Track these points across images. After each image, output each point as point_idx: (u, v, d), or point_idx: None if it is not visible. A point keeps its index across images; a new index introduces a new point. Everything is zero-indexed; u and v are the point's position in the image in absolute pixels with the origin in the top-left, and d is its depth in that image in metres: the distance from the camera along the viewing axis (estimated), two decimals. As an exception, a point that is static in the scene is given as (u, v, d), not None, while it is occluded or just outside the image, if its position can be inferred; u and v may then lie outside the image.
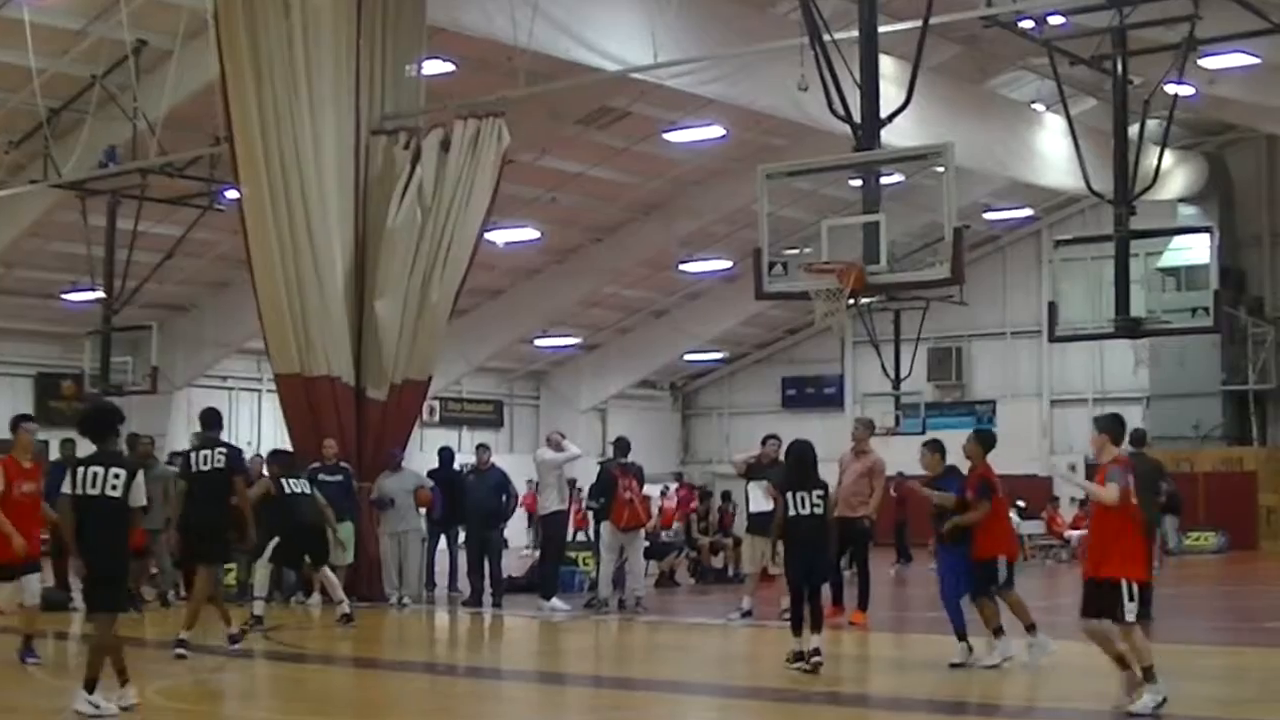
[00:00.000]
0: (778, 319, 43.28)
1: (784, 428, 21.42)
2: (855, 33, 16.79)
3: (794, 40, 18.26)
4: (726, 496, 27.79)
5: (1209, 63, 25.16)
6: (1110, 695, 11.14)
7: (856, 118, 16.27)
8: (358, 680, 14.38)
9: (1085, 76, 24.57)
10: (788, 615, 13.96)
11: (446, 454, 22.74)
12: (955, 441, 14.09)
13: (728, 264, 37.85)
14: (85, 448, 11.66)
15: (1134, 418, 35.59)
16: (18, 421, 13.89)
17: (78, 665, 12.02)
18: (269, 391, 31.54)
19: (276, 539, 16.88)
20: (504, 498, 20.81)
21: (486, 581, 20.61)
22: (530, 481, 26.14)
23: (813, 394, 45.07)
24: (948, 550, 13.66)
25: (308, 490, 17.66)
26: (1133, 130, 19.59)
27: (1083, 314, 19.40)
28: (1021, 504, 28.82)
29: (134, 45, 23.23)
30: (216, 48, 20.41)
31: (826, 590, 14.63)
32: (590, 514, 21.93)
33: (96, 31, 23.75)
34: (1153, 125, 22.39)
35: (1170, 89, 20.74)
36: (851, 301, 16.09)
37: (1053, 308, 19.47)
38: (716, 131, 29.80)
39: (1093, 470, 11.64)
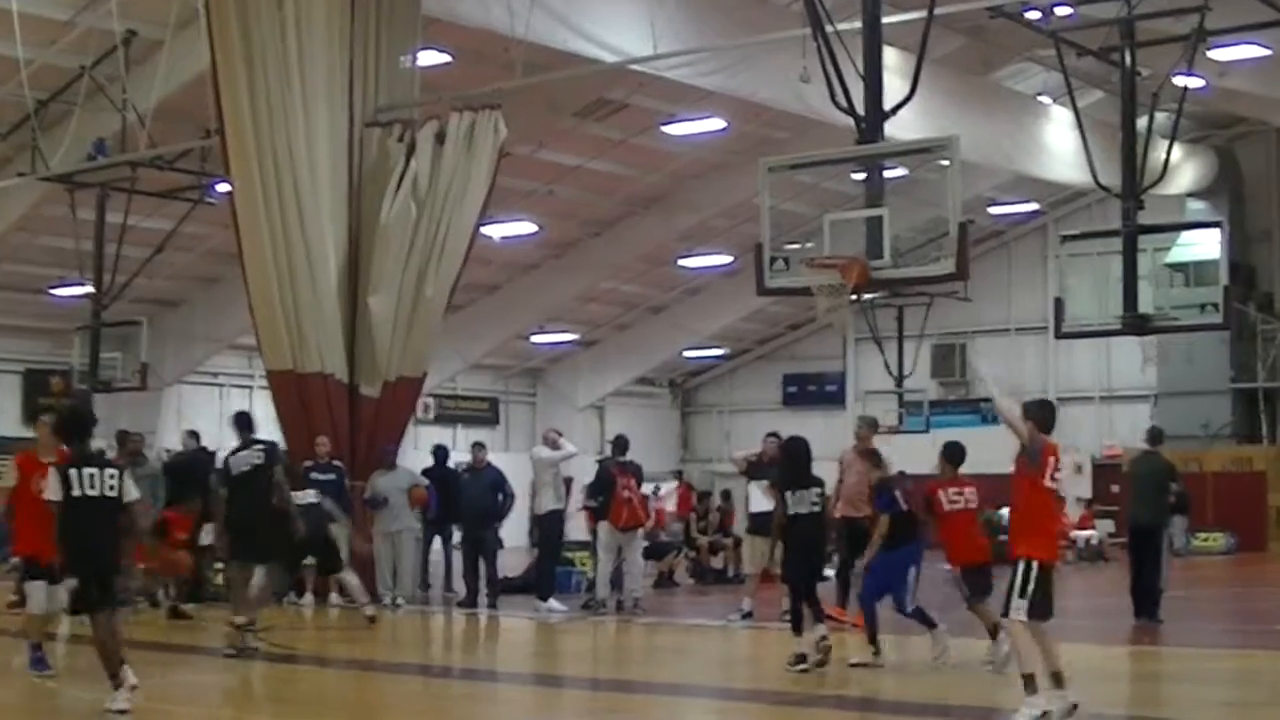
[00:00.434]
0: (779, 315, 43.14)
1: (785, 425, 21.30)
2: (858, 23, 16.64)
3: (796, 31, 18.28)
4: (727, 496, 27.56)
5: (1219, 54, 25.10)
6: (1102, 700, 10.89)
7: (859, 110, 16.08)
8: (350, 682, 14.23)
9: (1092, 68, 24.54)
10: (788, 617, 13.91)
11: (441, 452, 22.72)
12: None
13: (728, 259, 37.81)
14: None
15: (1142, 416, 35.55)
16: (37, 414, 13.53)
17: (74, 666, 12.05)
18: (260, 388, 31.21)
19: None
20: (500, 497, 20.71)
21: (482, 582, 20.50)
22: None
23: (814, 391, 44.97)
24: (883, 553, 13.77)
25: (313, 500, 17.57)
26: (1141, 123, 19.56)
27: (1089, 310, 19.22)
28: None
29: (123, 35, 22.99)
30: (207, 38, 20.27)
31: (832, 591, 14.43)
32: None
33: (85, 21, 23.53)
34: (1161, 118, 22.30)
35: (1179, 81, 20.53)
36: (854, 297, 15.95)
37: (1059, 304, 19.31)
38: (717, 124, 29.75)
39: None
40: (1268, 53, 25.56)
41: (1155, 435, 19.37)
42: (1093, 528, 33.32)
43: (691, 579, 25.48)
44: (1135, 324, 18.77)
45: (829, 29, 16.34)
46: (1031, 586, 10.39)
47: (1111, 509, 33.23)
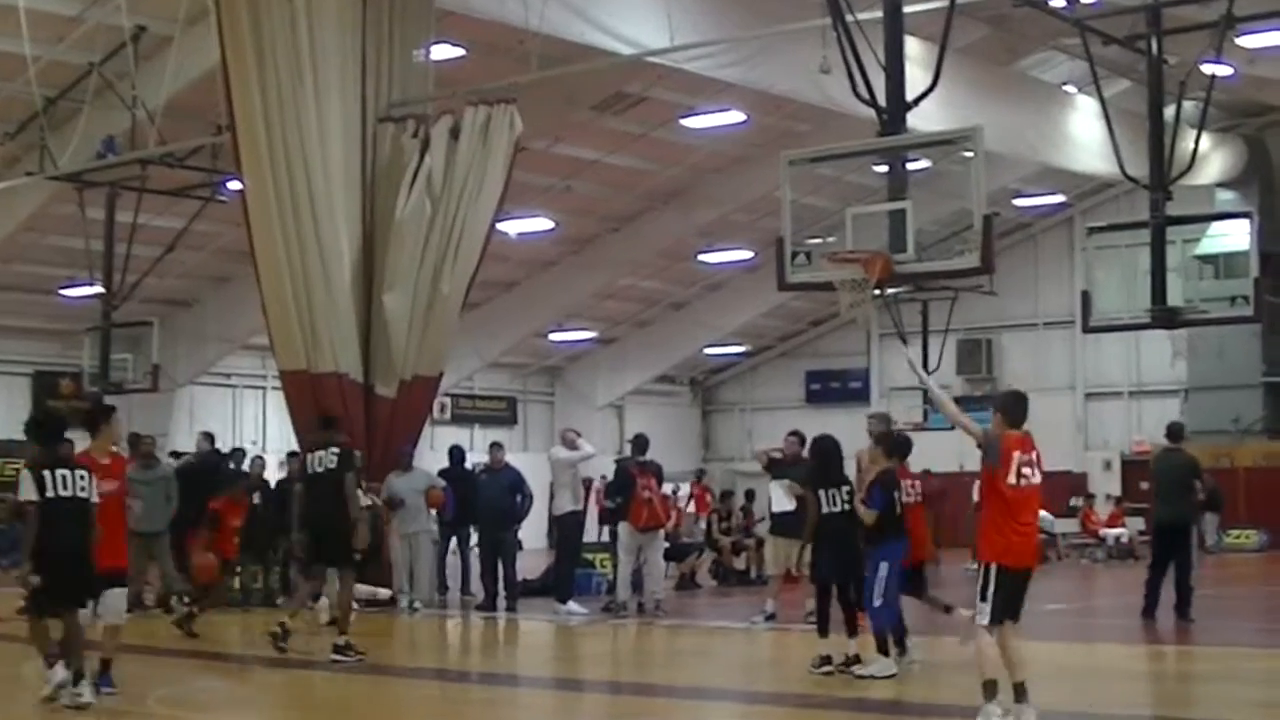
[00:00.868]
0: (801, 310, 42.90)
1: (808, 423, 21.04)
2: (879, 13, 16.42)
3: (816, 21, 18.23)
4: (750, 495, 27.26)
5: (1247, 41, 24.94)
6: (1132, 700, 10.57)
7: (881, 101, 15.90)
8: (366, 687, 14.05)
9: (1119, 57, 24.39)
10: (813, 618, 13.88)
11: (458, 453, 22.61)
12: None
13: (749, 254, 37.59)
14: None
15: (1172, 411, 35.12)
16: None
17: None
18: (274, 389, 31.27)
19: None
20: (518, 498, 20.68)
21: (500, 585, 20.45)
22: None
23: (838, 388, 44.60)
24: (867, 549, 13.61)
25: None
26: (1168, 112, 19.21)
27: (1118, 304, 18.96)
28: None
29: (132, 31, 22.80)
30: (218, 33, 20.18)
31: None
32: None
33: (94, 17, 23.39)
34: (1189, 107, 22.09)
35: (1207, 69, 20.28)
36: (877, 292, 15.84)
37: (1086, 297, 19.01)
38: (736, 117, 29.48)
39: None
40: (1297, 40, 25.30)
41: (1175, 431, 19.08)
42: (1123, 525, 32.96)
43: (713, 580, 25.35)
44: (1164, 317, 18.52)
45: (850, 19, 16.19)
46: (992, 589, 10.07)
47: (1141, 506, 32.79)
